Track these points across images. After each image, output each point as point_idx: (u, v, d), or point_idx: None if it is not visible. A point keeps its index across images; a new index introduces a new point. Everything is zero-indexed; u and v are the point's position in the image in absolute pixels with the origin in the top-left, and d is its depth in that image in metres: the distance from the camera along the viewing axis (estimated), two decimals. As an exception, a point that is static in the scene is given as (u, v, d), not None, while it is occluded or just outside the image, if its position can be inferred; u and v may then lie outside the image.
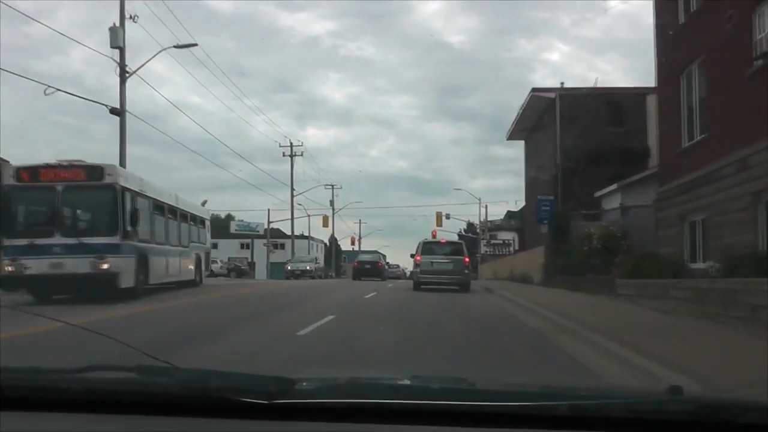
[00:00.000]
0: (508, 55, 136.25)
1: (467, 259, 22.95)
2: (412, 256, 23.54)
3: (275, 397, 1.55)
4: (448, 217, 65.02)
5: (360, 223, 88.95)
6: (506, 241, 64.56)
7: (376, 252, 66.05)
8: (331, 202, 72.54)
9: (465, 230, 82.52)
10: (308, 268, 41.51)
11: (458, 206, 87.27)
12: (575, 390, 2.13)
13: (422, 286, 21.77)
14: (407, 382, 2.28)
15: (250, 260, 68.16)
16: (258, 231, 73.68)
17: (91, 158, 15.54)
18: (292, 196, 61.77)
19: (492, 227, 70.54)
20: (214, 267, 58.17)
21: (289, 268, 41.95)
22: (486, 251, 63.96)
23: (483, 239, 65.80)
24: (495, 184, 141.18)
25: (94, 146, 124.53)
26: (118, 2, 23.02)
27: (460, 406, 1.57)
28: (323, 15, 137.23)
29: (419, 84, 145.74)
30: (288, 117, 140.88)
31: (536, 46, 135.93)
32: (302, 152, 60.11)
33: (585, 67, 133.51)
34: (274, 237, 73.00)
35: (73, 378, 1.77)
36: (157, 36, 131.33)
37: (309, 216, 70.69)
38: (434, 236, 62.39)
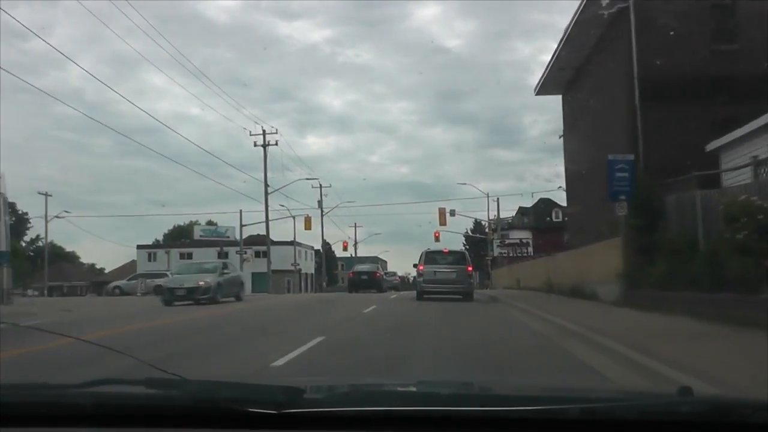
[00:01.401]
0: (506, 58, 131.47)
1: (470, 268, 23.08)
2: (415, 265, 23.83)
3: (284, 406, 1.54)
4: (452, 213, 54.13)
5: (355, 227, 78.45)
6: (524, 240, 54.12)
7: (374, 260, 60.07)
8: (319, 203, 62.39)
9: (472, 230, 72.79)
10: (201, 284, 22.49)
11: (464, 201, 78.40)
12: (585, 393, 2.16)
13: (425, 296, 21.88)
14: (416, 389, 2.34)
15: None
16: (228, 237, 62.77)
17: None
18: (266, 192, 50.98)
19: (502, 226, 60.45)
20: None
21: (169, 286, 23.89)
22: (500, 253, 53.45)
23: (495, 239, 55.27)
24: (497, 187, 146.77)
25: (94, 161, 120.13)
26: None
27: (470, 411, 1.57)
28: (320, 23, 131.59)
29: (418, 89, 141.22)
30: (288, 126, 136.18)
31: (534, 48, 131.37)
32: (277, 141, 50.26)
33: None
34: (260, 244, 61.92)
35: (82, 393, 1.75)
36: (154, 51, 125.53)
37: (294, 217, 59.66)
38: (437, 237, 52.86)
